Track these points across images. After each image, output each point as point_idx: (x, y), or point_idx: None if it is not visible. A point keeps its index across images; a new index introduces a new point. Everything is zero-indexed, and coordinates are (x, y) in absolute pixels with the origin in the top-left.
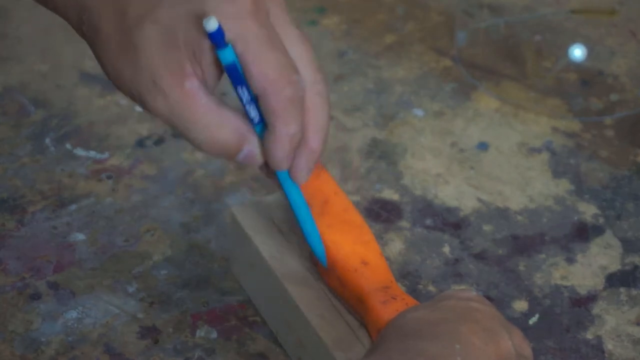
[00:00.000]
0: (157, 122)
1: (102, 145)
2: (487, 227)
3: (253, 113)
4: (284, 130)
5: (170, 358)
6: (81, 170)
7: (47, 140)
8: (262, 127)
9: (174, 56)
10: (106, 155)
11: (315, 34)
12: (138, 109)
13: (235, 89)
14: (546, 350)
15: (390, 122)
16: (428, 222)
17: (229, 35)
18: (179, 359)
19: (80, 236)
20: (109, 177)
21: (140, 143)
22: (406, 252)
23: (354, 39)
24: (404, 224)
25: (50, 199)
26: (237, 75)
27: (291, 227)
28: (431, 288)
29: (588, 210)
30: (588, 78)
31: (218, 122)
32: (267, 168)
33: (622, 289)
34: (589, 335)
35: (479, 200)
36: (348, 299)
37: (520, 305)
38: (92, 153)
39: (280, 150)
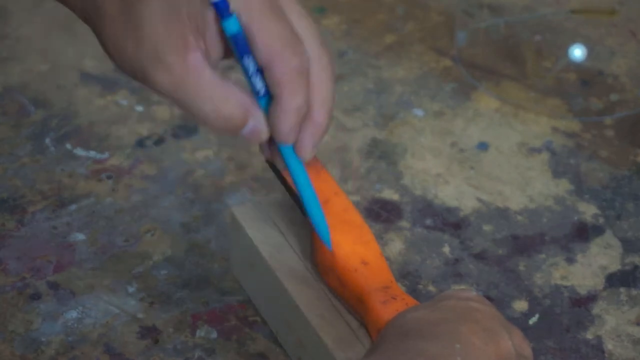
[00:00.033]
0: (157, 122)
1: (102, 145)
2: (487, 227)
3: (259, 85)
4: (291, 102)
5: (170, 358)
6: (81, 170)
7: (47, 140)
8: (267, 101)
9: (177, 30)
10: (106, 155)
11: None
12: (138, 108)
13: (240, 60)
14: (546, 350)
15: (390, 122)
16: (428, 222)
17: (233, 5)
18: (179, 359)
19: (80, 236)
20: (109, 177)
21: (140, 143)
22: (406, 252)
23: (354, 39)
24: (404, 224)
25: (50, 199)
26: (242, 45)
27: (290, 226)
28: (431, 288)
29: (588, 210)
30: (588, 78)
31: (223, 95)
32: (270, 148)
33: (622, 289)
34: (589, 335)
35: (479, 200)
36: (348, 299)
37: (520, 305)
38: (92, 153)
39: (287, 123)
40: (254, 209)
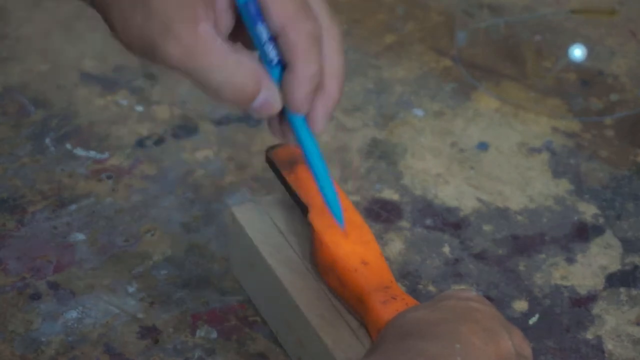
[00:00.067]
0: (157, 122)
1: (102, 145)
2: (487, 227)
3: (272, 53)
4: (306, 69)
5: (170, 358)
6: (81, 170)
7: (47, 140)
8: (280, 71)
9: (186, 1)
10: (106, 155)
11: None
12: (138, 108)
13: (253, 29)
14: (546, 350)
15: (390, 122)
16: (428, 222)
17: None
18: (179, 359)
19: (80, 236)
20: (109, 177)
21: (140, 143)
22: (406, 252)
23: (354, 39)
24: (404, 224)
25: (50, 199)
26: (255, 13)
27: (290, 226)
28: (431, 288)
29: (588, 210)
30: (588, 78)
31: (234, 65)
32: (280, 124)
33: (622, 289)
34: (589, 335)
35: (479, 200)
36: (348, 299)
37: (520, 305)
38: (92, 153)
39: (301, 91)
40: (254, 209)
